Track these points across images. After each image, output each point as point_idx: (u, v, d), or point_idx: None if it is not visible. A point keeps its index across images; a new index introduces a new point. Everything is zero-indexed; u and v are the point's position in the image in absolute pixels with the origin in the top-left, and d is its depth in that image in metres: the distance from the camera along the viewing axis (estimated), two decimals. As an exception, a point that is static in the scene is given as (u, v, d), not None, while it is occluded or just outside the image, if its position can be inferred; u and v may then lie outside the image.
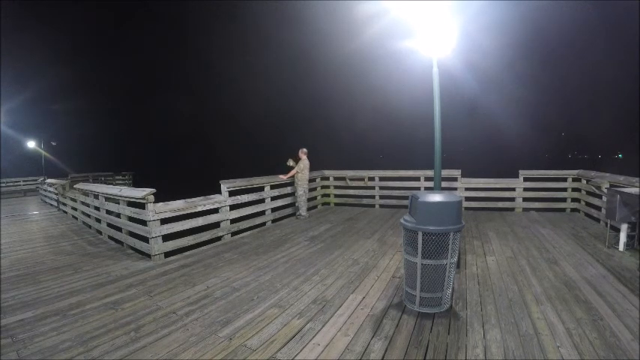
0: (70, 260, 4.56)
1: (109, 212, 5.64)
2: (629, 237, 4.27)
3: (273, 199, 6.60)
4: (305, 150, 6.86)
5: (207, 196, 5.26)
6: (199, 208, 5.01)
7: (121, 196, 5.04)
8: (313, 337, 2.43)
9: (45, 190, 12.03)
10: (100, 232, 6.06)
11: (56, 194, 10.09)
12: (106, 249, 5.14)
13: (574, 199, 6.90)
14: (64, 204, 9.21)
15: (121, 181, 17.85)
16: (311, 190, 7.68)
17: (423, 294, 2.72)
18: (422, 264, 2.66)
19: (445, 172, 7.09)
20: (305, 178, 6.78)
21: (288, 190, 6.95)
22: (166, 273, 3.89)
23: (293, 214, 7.09)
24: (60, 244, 5.54)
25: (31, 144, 18.39)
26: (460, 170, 7.37)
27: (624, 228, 4.24)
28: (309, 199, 7.28)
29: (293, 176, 6.73)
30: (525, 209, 7.12)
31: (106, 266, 4.22)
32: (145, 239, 4.55)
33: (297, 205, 6.93)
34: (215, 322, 2.68)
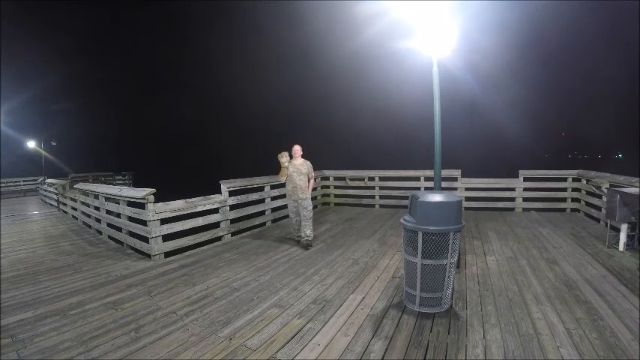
0: (70, 260, 4.56)
1: (109, 212, 5.65)
2: (629, 237, 4.27)
3: (273, 199, 6.59)
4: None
5: (207, 196, 5.26)
6: (199, 208, 5.01)
7: (121, 196, 5.04)
8: (313, 337, 2.43)
9: (45, 190, 12.04)
10: (100, 232, 6.06)
11: (56, 194, 10.09)
12: (106, 249, 5.14)
13: (574, 199, 6.90)
14: (64, 204, 9.21)
15: (120, 181, 17.85)
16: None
17: (423, 294, 2.72)
18: (422, 264, 2.66)
19: (445, 172, 7.09)
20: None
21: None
22: (166, 273, 3.89)
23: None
24: (60, 244, 5.54)
25: (31, 144, 18.37)
26: (460, 170, 7.38)
27: (624, 228, 4.24)
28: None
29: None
30: (525, 209, 7.12)
31: (106, 266, 4.22)
32: (145, 239, 4.56)
33: None
34: (215, 322, 2.68)
